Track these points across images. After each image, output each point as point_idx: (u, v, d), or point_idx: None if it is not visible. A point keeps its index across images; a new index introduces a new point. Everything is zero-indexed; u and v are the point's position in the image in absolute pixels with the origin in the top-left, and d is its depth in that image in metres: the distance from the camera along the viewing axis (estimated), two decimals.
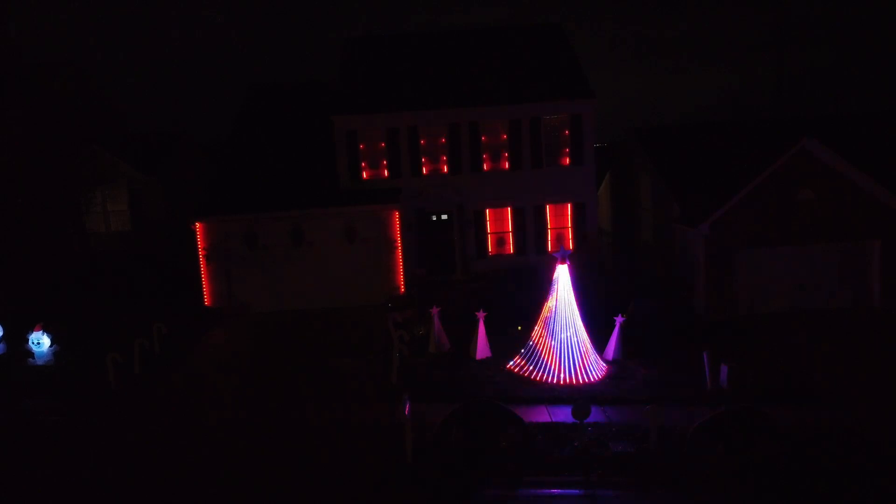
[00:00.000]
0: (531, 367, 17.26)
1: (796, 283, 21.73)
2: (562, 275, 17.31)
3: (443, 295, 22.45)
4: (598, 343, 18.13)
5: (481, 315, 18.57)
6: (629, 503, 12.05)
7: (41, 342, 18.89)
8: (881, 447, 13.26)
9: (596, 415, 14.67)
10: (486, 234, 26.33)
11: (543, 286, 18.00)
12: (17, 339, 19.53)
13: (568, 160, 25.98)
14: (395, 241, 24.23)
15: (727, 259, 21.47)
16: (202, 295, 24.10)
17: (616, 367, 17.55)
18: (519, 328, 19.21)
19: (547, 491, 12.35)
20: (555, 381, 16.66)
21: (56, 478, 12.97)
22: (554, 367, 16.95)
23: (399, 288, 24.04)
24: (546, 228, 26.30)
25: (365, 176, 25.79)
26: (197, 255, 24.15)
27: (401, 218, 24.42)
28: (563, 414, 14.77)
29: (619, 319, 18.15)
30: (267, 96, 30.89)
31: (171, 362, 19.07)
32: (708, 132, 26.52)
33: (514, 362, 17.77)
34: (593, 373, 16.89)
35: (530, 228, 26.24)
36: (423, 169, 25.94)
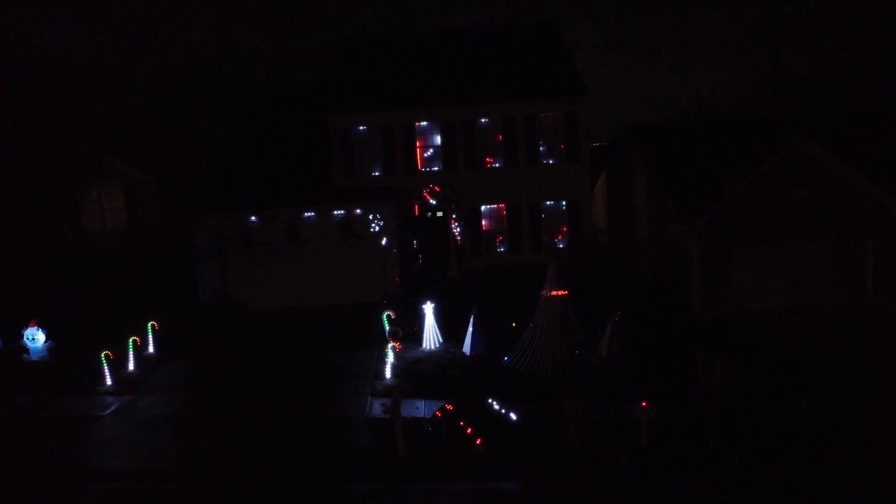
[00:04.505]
0: (524, 364, 17.32)
1: (790, 280, 21.78)
2: (553, 275, 17.39)
3: (437, 292, 22.50)
4: (593, 340, 18.23)
5: (475, 312, 18.64)
6: (623, 498, 12.10)
7: (36, 338, 18.89)
8: (874, 442, 13.34)
9: (588, 411, 14.73)
10: (480, 231, 26.37)
11: (538, 284, 18.05)
12: (12, 335, 19.53)
13: (563, 158, 26.03)
14: (391, 238, 24.25)
15: (721, 257, 21.53)
16: (197, 293, 24.12)
17: (606, 363, 17.65)
18: (513, 325, 19.26)
19: (538, 486, 12.40)
20: (548, 376, 16.74)
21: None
22: (547, 363, 17.04)
23: (394, 285, 24.07)
24: (541, 226, 26.33)
25: (360, 174, 25.82)
26: (192, 253, 24.16)
27: (396, 216, 24.45)
28: (558, 410, 14.81)
29: (612, 317, 18.22)
30: (263, 94, 30.93)
31: (165, 359, 19.11)
32: (703, 130, 26.56)
33: (508, 359, 17.83)
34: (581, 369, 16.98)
35: (525, 226, 26.28)
36: (418, 167, 25.97)
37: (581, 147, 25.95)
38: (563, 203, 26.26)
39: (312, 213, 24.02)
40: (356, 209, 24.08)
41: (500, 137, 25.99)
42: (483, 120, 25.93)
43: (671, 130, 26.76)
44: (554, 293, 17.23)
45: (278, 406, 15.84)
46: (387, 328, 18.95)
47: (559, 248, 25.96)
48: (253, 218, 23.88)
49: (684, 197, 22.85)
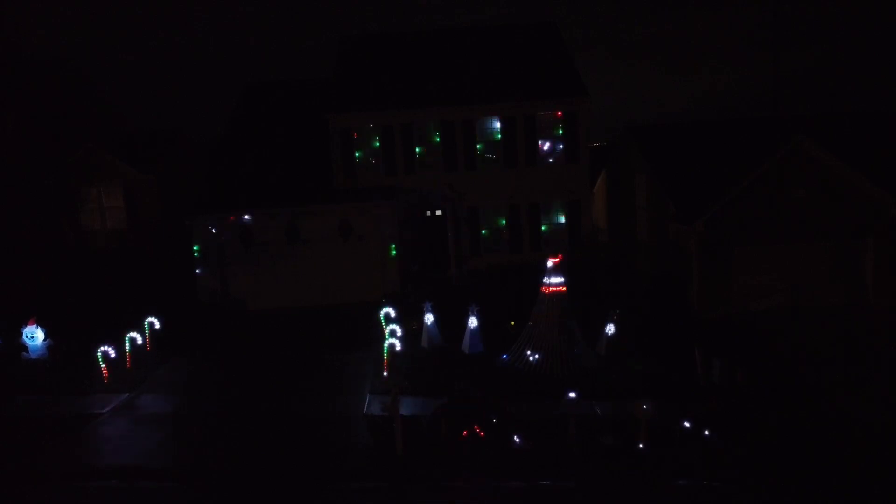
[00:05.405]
0: (523, 363, 17.32)
1: (790, 280, 21.75)
2: (552, 274, 17.40)
3: (436, 291, 22.50)
4: (592, 339, 18.23)
5: (474, 310, 18.63)
6: (622, 496, 12.09)
7: (35, 336, 18.87)
8: (873, 442, 13.33)
9: (586, 409, 14.73)
10: (480, 231, 26.37)
11: (537, 283, 18.05)
12: (12, 334, 19.50)
13: (562, 158, 26.05)
14: (390, 237, 24.24)
15: (721, 257, 21.50)
16: (197, 292, 24.09)
17: (605, 361, 17.65)
18: (512, 323, 19.26)
19: (537, 484, 12.38)
20: (546, 374, 16.74)
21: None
22: (546, 362, 17.03)
23: (394, 285, 24.05)
24: (540, 226, 26.34)
25: (360, 173, 25.82)
26: (192, 252, 24.15)
27: (395, 215, 24.44)
28: (556, 408, 14.80)
29: (611, 316, 18.21)
30: (262, 94, 30.91)
31: (164, 358, 19.09)
32: (703, 130, 26.54)
33: (507, 357, 17.83)
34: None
35: (525, 226, 26.29)
36: (418, 166, 25.97)
37: (581, 147, 25.97)
38: (563, 203, 26.26)
39: (312, 213, 24.00)
40: (356, 209, 24.06)
41: (500, 137, 26.00)
42: (483, 120, 25.94)
43: (671, 130, 26.74)
44: (552, 289, 17.24)
45: (277, 404, 15.83)
46: (385, 327, 18.95)
47: (558, 247, 25.93)
48: (253, 217, 23.86)
49: (684, 197, 22.83)
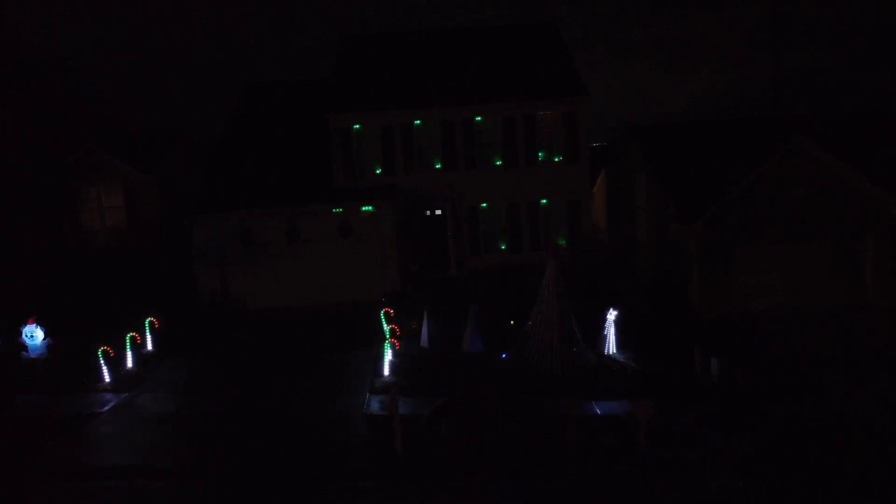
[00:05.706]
0: (523, 362, 17.32)
1: (790, 280, 21.75)
2: (551, 274, 17.41)
3: (436, 291, 22.50)
4: (592, 339, 18.22)
5: (474, 310, 18.63)
6: (622, 496, 12.08)
7: (34, 335, 18.88)
8: (873, 442, 13.32)
9: (586, 409, 14.74)
10: (479, 230, 26.37)
11: (537, 283, 18.06)
12: (12, 333, 19.50)
13: (562, 157, 26.05)
14: (390, 237, 24.22)
15: (721, 257, 21.49)
16: (196, 291, 24.08)
17: (605, 361, 17.65)
18: (511, 323, 19.26)
19: (536, 483, 12.38)
20: (546, 374, 16.74)
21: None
22: (546, 361, 17.03)
23: (394, 284, 24.05)
24: (540, 226, 26.34)
25: (360, 173, 25.81)
26: (191, 252, 24.13)
27: (395, 215, 24.44)
28: (556, 408, 14.81)
29: (610, 316, 18.21)
30: (262, 94, 30.89)
31: (164, 357, 19.09)
32: (703, 130, 26.50)
33: (507, 357, 17.83)
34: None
35: (525, 226, 26.29)
36: (418, 166, 25.97)
37: (581, 147, 25.97)
38: (563, 203, 26.26)
39: (312, 213, 23.99)
40: (356, 209, 24.06)
41: (500, 137, 25.99)
42: (483, 120, 25.93)
43: (671, 130, 26.72)
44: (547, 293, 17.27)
45: (277, 404, 15.83)
46: (385, 326, 18.94)
47: (558, 247, 25.92)
48: (252, 217, 23.84)
49: (684, 197, 22.80)
